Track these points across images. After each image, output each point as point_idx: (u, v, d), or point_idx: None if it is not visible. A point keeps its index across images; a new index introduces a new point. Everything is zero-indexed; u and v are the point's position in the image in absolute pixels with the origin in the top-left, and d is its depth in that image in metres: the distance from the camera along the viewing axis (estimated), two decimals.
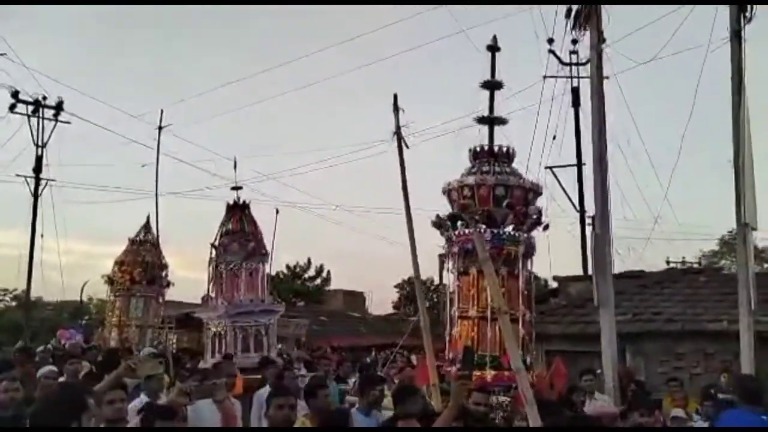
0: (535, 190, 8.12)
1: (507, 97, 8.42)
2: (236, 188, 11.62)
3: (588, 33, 11.76)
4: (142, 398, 5.89)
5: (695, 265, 24.39)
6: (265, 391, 7.72)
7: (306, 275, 42.30)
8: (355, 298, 38.42)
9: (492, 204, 7.66)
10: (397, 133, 4.96)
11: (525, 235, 7.81)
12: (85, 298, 36.76)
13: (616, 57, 11.47)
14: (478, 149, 8.05)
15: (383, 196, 65.96)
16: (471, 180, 7.71)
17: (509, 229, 7.65)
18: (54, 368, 7.60)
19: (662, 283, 15.73)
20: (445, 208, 8.30)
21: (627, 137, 15.11)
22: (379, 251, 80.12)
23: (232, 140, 55.58)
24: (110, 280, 18.47)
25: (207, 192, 34.02)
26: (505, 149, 8.03)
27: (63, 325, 27.65)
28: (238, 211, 11.62)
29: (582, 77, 22.01)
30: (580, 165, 22.54)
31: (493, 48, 8.23)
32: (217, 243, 11.58)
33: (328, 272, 43.41)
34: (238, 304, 11.37)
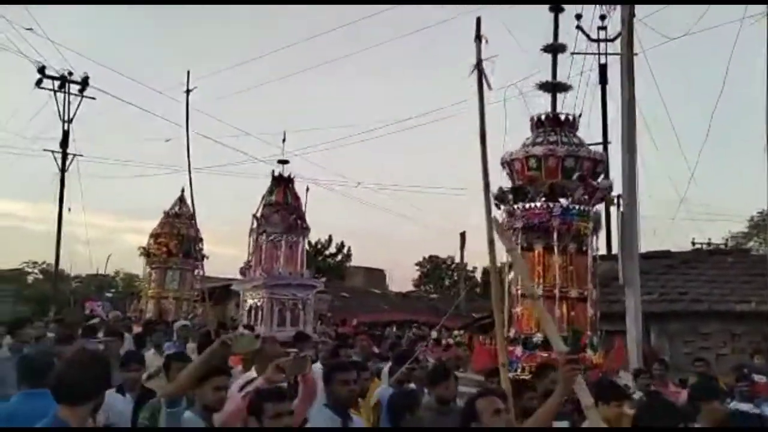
0: (603, 162, 7.45)
1: (533, 73, 7.71)
2: (283, 161, 11.26)
3: (617, 8, 11.23)
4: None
5: (722, 246, 23.74)
6: (317, 366, 7.36)
7: (327, 252, 41.86)
8: (376, 275, 38.01)
9: (561, 176, 7.00)
10: (478, 66, 4.12)
11: (593, 209, 7.14)
12: (111, 272, 36.67)
13: (645, 33, 10.96)
14: (542, 117, 7.34)
15: (405, 173, 65.49)
16: (538, 150, 7.02)
17: (577, 203, 6.95)
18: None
19: (689, 263, 15.25)
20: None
21: (655, 115, 14.49)
22: (400, 228, 79.49)
23: (258, 116, 54.97)
24: (146, 253, 18.15)
25: (231, 167, 33.78)
26: (570, 117, 7.32)
27: (91, 297, 27.53)
28: (283, 183, 11.22)
29: (610, 54, 21.40)
30: (606, 143, 21.78)
31: (557, 8, 7.50)
32: (259, 214, 11.04)
33: (349, 249, 43.11)
34: (276, 276, 11.03)
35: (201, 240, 18.14)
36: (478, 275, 43.97)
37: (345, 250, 42.95)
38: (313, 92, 69.76)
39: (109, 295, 32.65)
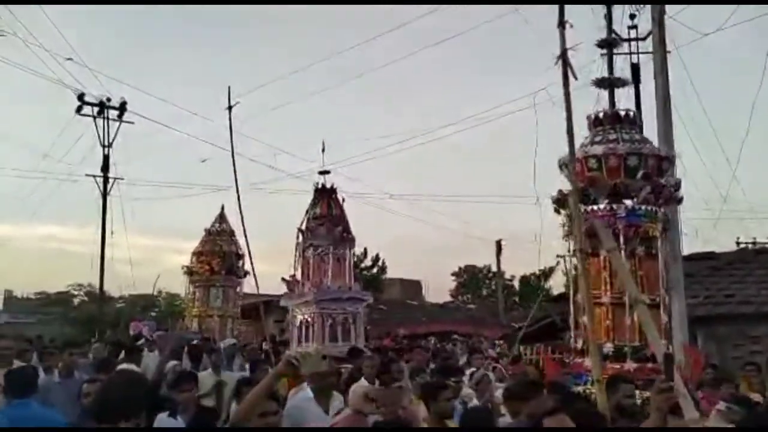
0: (670, 159, 6.90)
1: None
2: (324, 172, 10.80)
3: (648, 6, 11.00)
4: None
5: None
6: (362, 383, 6.87)
7: (363, 265, 41.41)
8: (412, 287, 37.51)
9: (624, 175, 6.47)
10: (563, 56, 3.65)
11: (662, 209, 6.58)
12: (156, 291, 36.70)
13: (677, 29, 10.78)
14: (600, 114, 6.84)
15: (439, 183, 64.89)
16: (598, 150, 6.50)
17: (643, 203, 6.40)
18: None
19: (734, 264, 14.52)
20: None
21: (691, 113, 13.99)
22: (435, 239, 78.66)
23: (289, 130, 54.84)
24: (189, 271, 17.73)
25: (267, 183, 33.65)
26: (631, 113, 6.79)
27: (136, 317, 27.55)
28: (326, 195, 10.79)
29: (641, 53, 20.91)
30: None
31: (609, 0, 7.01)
32: (304, 227, 10.72)
33: (383, 261, 42.66)
34: (326, 291, 10.54)
35: (242, 256, 17.63)
36: (516, 284, 43.35)
37: (380, 263, 42.57)
38: (342, 104, 69.83)
39: (153, 314, 32.69)
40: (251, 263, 12.19)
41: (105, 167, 25.78)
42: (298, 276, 11.01)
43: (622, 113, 6.71)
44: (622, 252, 6.08)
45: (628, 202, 6.43)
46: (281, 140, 67.34)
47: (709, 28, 11.94)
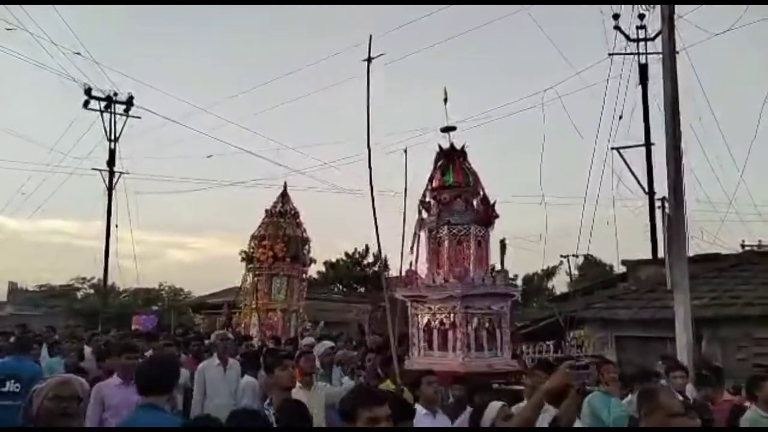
0: None
1: (570, 75, 6.93)
2: (448, 129, 8.30)
3: (657, 7, 10.82)
4: None
5: None
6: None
7: (365, 261, 41.27)
8: None
9: None
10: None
11: None
12: (155, 285, 36.74)
13: (686, 30, 10.73)
14: None
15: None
16: None
17: None
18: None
19: (739, 266, 14.57)
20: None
21: (699, 115, 13.93)
22: None
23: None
24: (248, 258, 15.56)
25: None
26: None
27: (138, 311, 27.64)
28: (457, 158, 8.32)
29: (650, 53, 20.68)
30: (648, 145, 21.11)
31: None
32: (430, 200, 8.40)
33: (386, 258, 42.17)
34: (470, 283, 8.06)
35: (308, 241, 15.76)
36: (519, 283, 43.08)
37: (383, 260, 42.18)
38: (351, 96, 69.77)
39: (155, 308, 32.80)
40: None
41: (111, 162, 25.91)
42: (421, 263, 8.62)
43: None
44: None
45: None
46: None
47: (718, 29, 11.90)
